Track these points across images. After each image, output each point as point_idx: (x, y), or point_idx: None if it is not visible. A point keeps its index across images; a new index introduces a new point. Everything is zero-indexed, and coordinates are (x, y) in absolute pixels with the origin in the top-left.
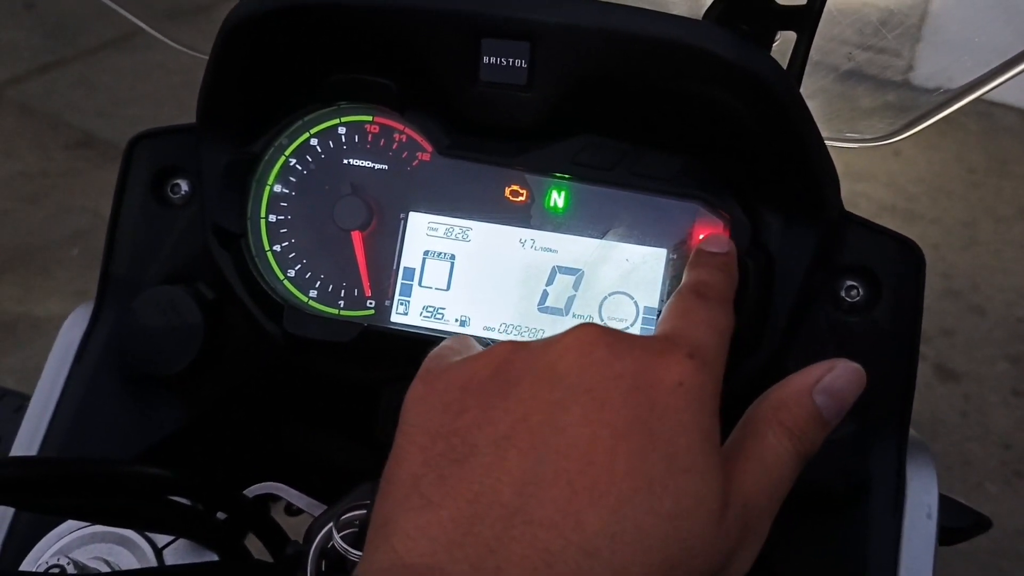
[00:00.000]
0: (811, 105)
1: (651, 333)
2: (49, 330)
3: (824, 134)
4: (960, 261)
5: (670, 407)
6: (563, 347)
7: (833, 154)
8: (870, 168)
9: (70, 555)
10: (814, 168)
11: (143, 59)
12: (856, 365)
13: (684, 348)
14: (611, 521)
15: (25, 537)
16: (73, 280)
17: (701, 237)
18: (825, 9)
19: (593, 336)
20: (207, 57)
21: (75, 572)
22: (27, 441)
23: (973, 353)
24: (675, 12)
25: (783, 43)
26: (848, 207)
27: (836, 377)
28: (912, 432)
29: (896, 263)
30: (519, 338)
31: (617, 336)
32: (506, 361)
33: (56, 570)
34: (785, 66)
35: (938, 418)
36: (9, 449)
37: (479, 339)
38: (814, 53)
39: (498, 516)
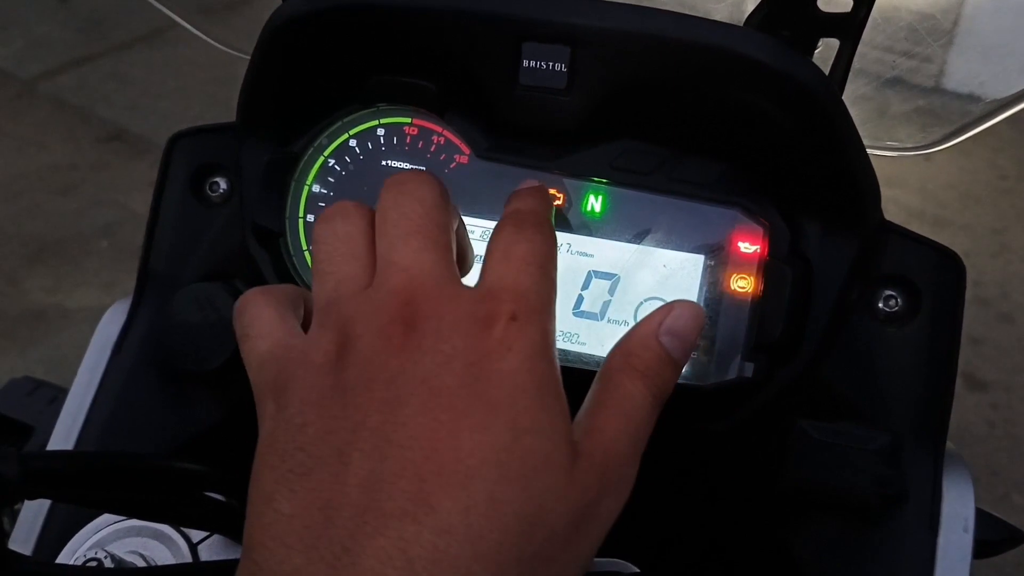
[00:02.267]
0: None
1: None
2: (78, 321)
3: (865, 142)
4: (990, 268)
5: (504, 372)
6: (391, 334)
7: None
8: (900, 174)
9: (107, 548)
10: (855, 176)
11: (174, 54)
12: (693, 303)
13: (507, 305)
14: (461, 497)
15: (61, 530)
16: (102, 272)
17: (739, 245)
18: None
19: (419, 317)
20: (238, 53)
21: (112, 566)
22: (64, 434)
23: (1002, 362)
24: (716, 18)
25: (825, 50)
26: None
27: (676, 317)
28: (948, 444)
29: (936, 274)
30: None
31: (441, 312)
32: (340, 366)
33: (93, 563)
34: (827, 73)
35: (965, 428)
36: (45, 440)
37: None
38: None
39: (349, 516)
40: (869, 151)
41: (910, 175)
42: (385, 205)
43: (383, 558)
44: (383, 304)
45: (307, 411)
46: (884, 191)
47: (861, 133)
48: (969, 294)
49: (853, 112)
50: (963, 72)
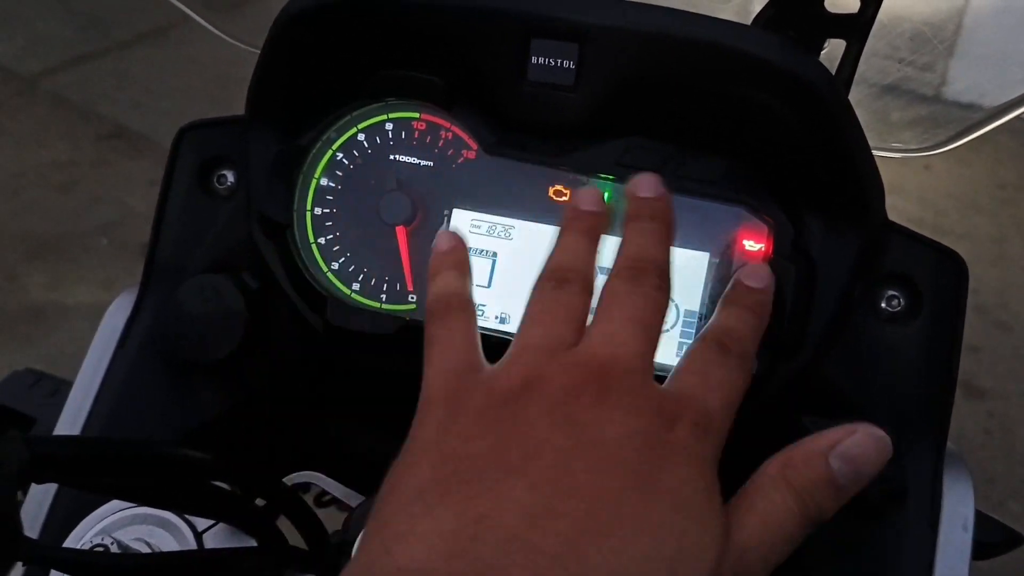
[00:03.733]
0: None
1: (690, 337)
2: (77, 318)
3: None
4: (988, 277)
5: (676, 464)
6: (582, 384)
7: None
8: (900, 181)
9: (113, 535)
10: (860, 175)
11: (176, 53)
12: (881, 433)
13: (691, 415)
14: (613, 559)
15: (67, 515)
16: (101, 269)
17: (744, 243)
18: None
19: (612, 389)
20: (246, 46)
21: (118, 551)
22: (70, 423)
23: (999, 370)
24: (724, 16)
25: (831, 50)
26: None
27: (855, 443)
28: (949, 444)
29: (938, 274)
30: None
31: (632, 387)
32: (524, 401)
33: (100, 549)
34: (833, 73)
35: (962, 435)
36: (48, 431)
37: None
38: None
39: (500, 538)
40: (873, 152)
41: (910, 183)
42: (617, 289)
43: None
44: (582, 364)
45: (483, 426)
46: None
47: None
48: (968, 302)
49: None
50: (964, 81)
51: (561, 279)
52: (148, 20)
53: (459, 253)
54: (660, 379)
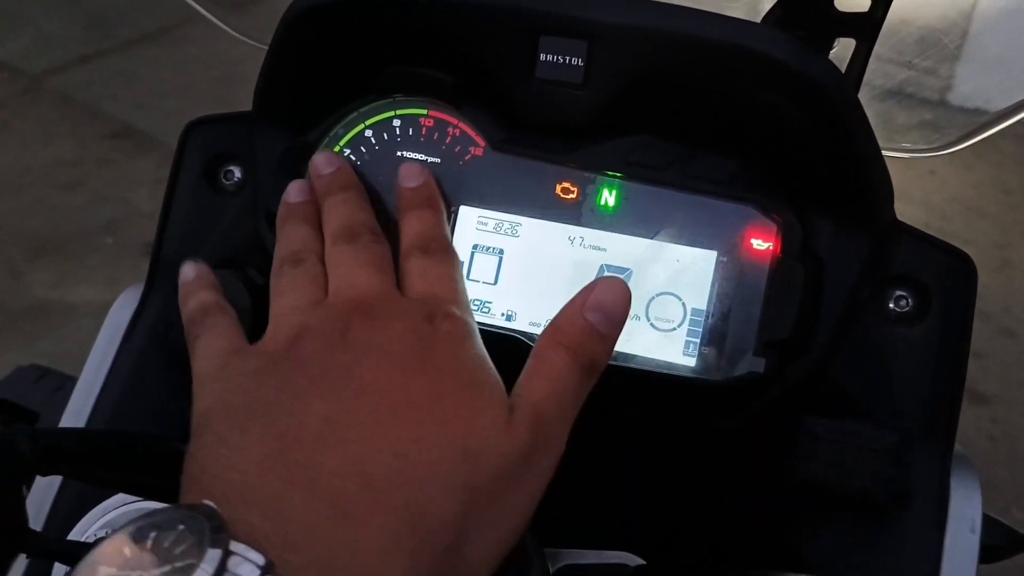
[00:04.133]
0: None
1: (697, 336)
2: (81, 316)
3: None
4: (993, 283)
5: (447, 347)
6: (344, 319)
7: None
8: (904, 186)
9: (116, 529)
10: (869, 175)
11: (181, 53)
12: (617, 279)
13: (440, 307)
14: (414, 429)
15: (71, 509)
16: (105, 268)
17: (752, 242)
18: None
19: (372, 310)
20: (254, 43)
21: None
22: (74, 417)
23: (1003, 376)
24: (734, 14)
25: (840, 49)
26: None
27: (600, 292)
28: (956, 446)
29: (947, 275)
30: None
31: (384, 304)
32: (294, 341)
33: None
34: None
35: (966, 441)
36: (54, 426)
37: (526, 334)
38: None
39: (308, 441)
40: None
41: (915, 188)
42: (339, 250)
43: (342, 474)
44: (339, 305)
45: (263, 377)
46: None
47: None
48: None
49: None
50: (970, 85)
51: (295, 260)
52: (153, 20)
53: (204, 278)
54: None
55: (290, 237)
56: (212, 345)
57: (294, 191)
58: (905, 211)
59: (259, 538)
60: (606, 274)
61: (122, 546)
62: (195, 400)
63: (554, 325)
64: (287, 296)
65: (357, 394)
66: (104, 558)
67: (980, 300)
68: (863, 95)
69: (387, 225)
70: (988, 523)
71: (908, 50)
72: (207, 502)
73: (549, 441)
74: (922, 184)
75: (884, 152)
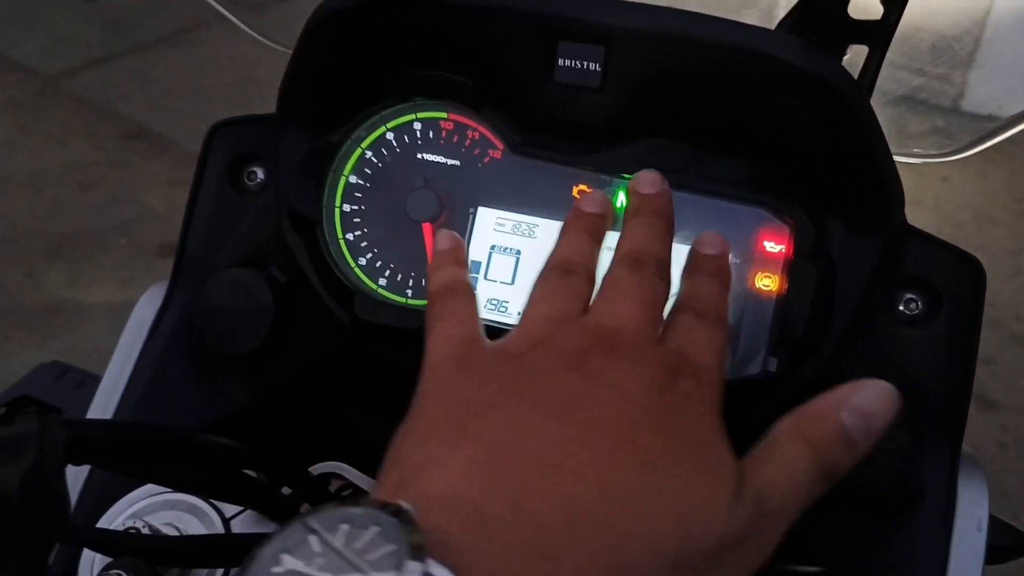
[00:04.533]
0: None
1: None
2: (94, 316)
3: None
4: (1004, 290)
5: (686, 408)
6: (590, 345)
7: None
8: (916, 193)
9: (144, 518)
10: (881, 179)
11: (196, 55)
12: (889, 386)
13: (691, 367)
14: (631, 477)
15: (98, 499)
16: (119, 268)
17: (765, 243)
18: None
19: (619, 348)
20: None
21: (150, 535)
22: (100, 411)
23: (1014, 383)
24: (748, 21)
25: (853, 56)
26: None
27: (864, 397)
28: (965, 447)
29: (957, 278)
30: None
31: (637, 345)
32: (532, 348)
33: (133, 531)
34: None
35: (976, 448)
36: None
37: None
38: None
39: (520, 460)
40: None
41: (927, 194)
42: (619, 274)
43: (548, 503)
44: (589, 330)
45: (494, 375)
46: None
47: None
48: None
49: None
50: (983, 92)
51: (565, 270)
52: (168, 22)
53: (458, 252)
54: None
55: (570, 244)
56: (451, 330)
57: (591, 202)
58: (917, 217)
59: (454, 554)
60: (868, 380)
61: (307, 537)
62: (420, 382)
63: (799, 415)
64: (544, 304)
65: (582, 424)
66: (291, 546)
67: (991, 307)
68: (876, 100)
69: (406, 227)
70: (996, 525)
71: (921, 56)
72: (406, 506)
73: (765, 534)
74: (935, 191)
75: (902, 157)
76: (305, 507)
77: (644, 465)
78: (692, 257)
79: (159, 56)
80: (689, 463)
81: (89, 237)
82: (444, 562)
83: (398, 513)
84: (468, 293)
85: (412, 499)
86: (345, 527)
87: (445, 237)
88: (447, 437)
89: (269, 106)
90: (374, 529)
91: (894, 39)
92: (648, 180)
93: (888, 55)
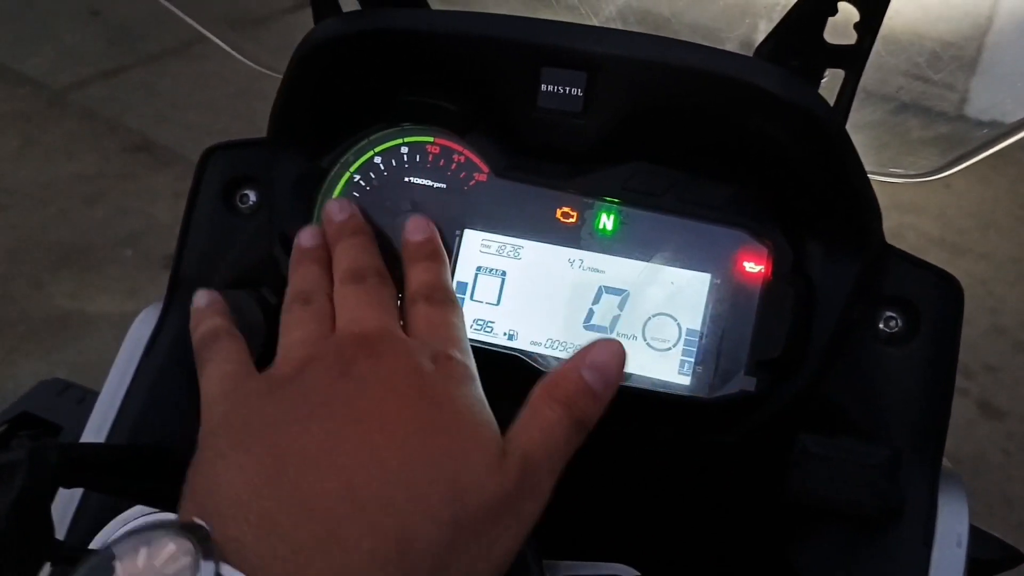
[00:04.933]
0: (861, 137)
1: (692, 355)
2: (101, 327)
3: (870, 168)
4: (1009, 297)
5: (448, 386)
6: (351, 353)
7: (882, 185)
8: (919, 201)
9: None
10: (858, 200)
11: (201, 68)
12: (614, 341)
13: (443, 348)
14: (406, 458)
15: (92, 519)
16: (125, 280)
17: (745, 264)
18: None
19: (377, 346)
20: (265, 70)
21: None
22: (96, 430)
23: (1018, 391)
24: (727, 47)
25: (831, 79)
26: (895, 239)
27: (597, 352)
28: (946, 463)
29: (936, 296)
30: (564, 354)
31: (388, 341)
32: (300, 370)
33: None
34: (833, 102)
35: (981, 456)
36: (76, 439)
37: (527, 353)
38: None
39: (303, 464)
40: (877, 178)
41: (929, 202)
42: (345, 291)
43: (334, 498)
44: (345, 339)
45: (267, 400)
46: (902, 218)
47: (877, 161)
48: (987, 322)
49: (873, 139)
50: (986, 99)
51: (305, 300)
52: (174, 35)
53: (216, 305)
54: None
55: (302, 277)
56: (221, 369)
57: (306, 236)
58: (920, 225)
59: (249, 557)
60: (603, 338)
61: (111, 564)
62: (202, 421)
63: (551, 380)
64: (296, 331)
65: (355, 421)
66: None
67: (995, 314)
68: (879, 108)
69: (394, 252)
70: (983, 538)
71: (923, 63)
72: (199, 521)
73: (536, 488)
74: (937, 198)
75: (881, 177)
76: None
77: (410, 441)
78: (405, 247)
79: (165, 68)
80: (456, 433)
81: (96, 249)
82: (238, 566)
83: (193, 529)
84: (232, 335)
85: (207, 517)
86: (144, 549)
87: (199, 296)
88: (234, 460)
89: None
90: (171, 547)
91: (896, 46)
92: (335, 209)
93: (890, 62)
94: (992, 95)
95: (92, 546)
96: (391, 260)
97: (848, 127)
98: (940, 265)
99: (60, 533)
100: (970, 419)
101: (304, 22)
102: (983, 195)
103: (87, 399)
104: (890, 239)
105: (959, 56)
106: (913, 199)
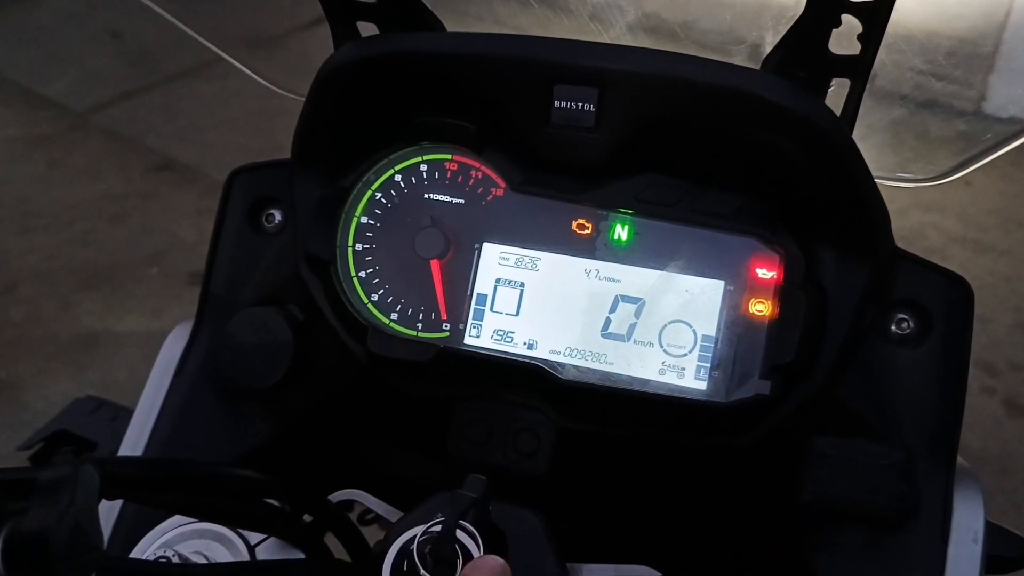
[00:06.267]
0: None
1: (707, 360)
2: (128, 345)
3: (882, 172)
4: None
5: None
6: None
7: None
8: (940, 199)
9: (174, 548)
10: (866, 207)
11: (221, 87)
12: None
13: None
14: None
15: (130, 530)
16: (151, 298)
17: (757, 271)
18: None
19: None
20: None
21: (179, 563)
22: (131, 446)
23: None
24: (736, 61)
25: (838, 88)
26: (917, 238)
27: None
28: (961, 460)
29: (946, 298)
30: (583, 362)
31: None
32: None
33: (163, 559)
34: (839, 111)
35: (1008, 454)
36: (111, 454)
37: (546, 362)
38: (884, 83)
39: None
40: (883, 182)
41: (951, 200)
42: None
43: None
44: None
45: None
46: (924, 216)
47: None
48: (1011, 320)
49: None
50: (1004, 95)
51: None
52: (194, 55)
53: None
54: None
55: None
56: None
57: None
58: (941, 223)
59: None
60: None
61: None
62: None
63: None
64: None
65: None
66: None
67: (1020, 312)
68: (899, 107)
69: (415, 264)
70: (1001, 535)
71: (940, 61)
72: None
73: None
74: (958, 196)
75: (889, 182)
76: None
77: None
78: None
79: (186, 88)
80: None
81: (121, 268)
82: None
83: None
84: None
85: None
86: None
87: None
88: None
89: (292, 133)
90: None
91: (913, 44)
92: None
93: (908, 60)
94: (1011, 91)
95: (133, 554)
96: (412, 272)
97: (865, 128)
98: (963, 263)
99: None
100: (996, 418)
101: (317, 40)
102: (1003, 191)
103: (120, 416)
104: (912, 238)
105: (976, 54)
106: (934, 198)
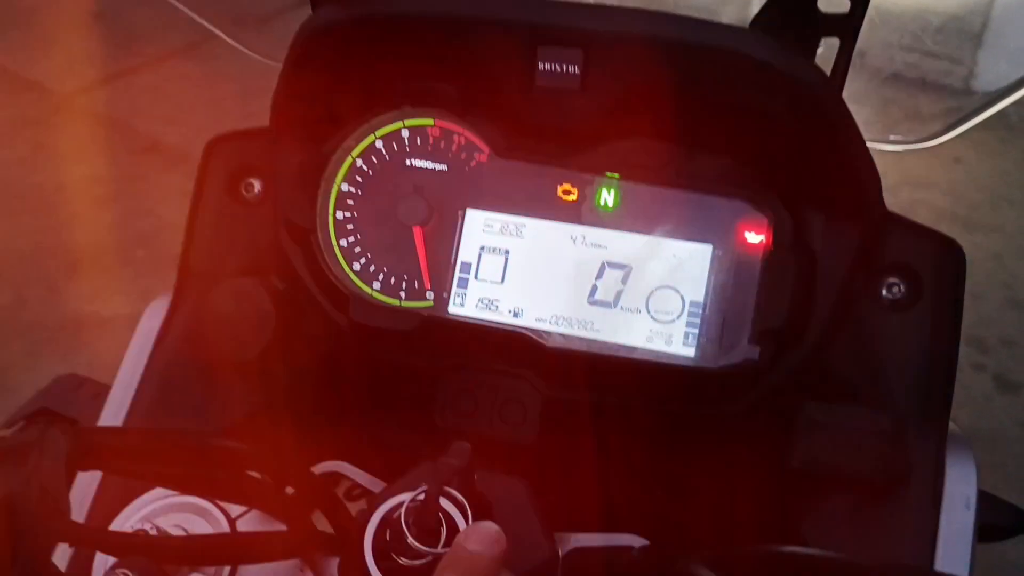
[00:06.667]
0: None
1: (695, 326)
2: (116, 328)
3: (870, 137)
4: (1022, 270)
5: None
6: None
7: (892, 161)
8: (930, 175)
9: (153, 521)
10: (856, 169)
11: (207, 67)
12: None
13: None
14: None
15: (110, 502)
16: (139, 280)
17: (746, 235)
18: (884, 16)
19: None
20: (270, 62)
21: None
22: (111, 419)
23: None
24: (724, 21)
25: (827, 48)
26: (907, 215)
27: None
28: (954, 427)
29: (937, 261)
30: (569, 330)
31: None
32: None
33: (142, 532)
34: (829, 71)
35: (998, 430)
36: None
37: (532, 330)
38: (874, 60)
39: None
40: (873, 146)
41: (940, 177)
42: None
43: None
44: None
45: None
46: (913, 193)
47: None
48: (1001, 296)
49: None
50: (993, 72)
51: None
52: (180, 36)
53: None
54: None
55: None
56: None
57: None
58: (931, 200)
59: None
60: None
61: None
62: None
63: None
64: None
65: None
66: None
67: (1010, 288)
68: (888, 84)
69: (397, 232)
70: (996, 504)
71: (930, 38)
72: None
73: None
74: (947, 173)
75: (880, 144)
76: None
77: None
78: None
79: (172, 70)
80: None
81: (108, 251)
82: None
83: None
84: None
85: None
86: None
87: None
88: None
89: None
90: None
91: (902, 22)
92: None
93: (897, 39)
94: (999, 68)
95: (113, 527)
96: (394, 240)
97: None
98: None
99: (81, 515)
100: (986, 394)
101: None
102: (993, 168)
103: (102, 394)
104: (903, 215)
105: (965, 30)
106: (924, 174)
